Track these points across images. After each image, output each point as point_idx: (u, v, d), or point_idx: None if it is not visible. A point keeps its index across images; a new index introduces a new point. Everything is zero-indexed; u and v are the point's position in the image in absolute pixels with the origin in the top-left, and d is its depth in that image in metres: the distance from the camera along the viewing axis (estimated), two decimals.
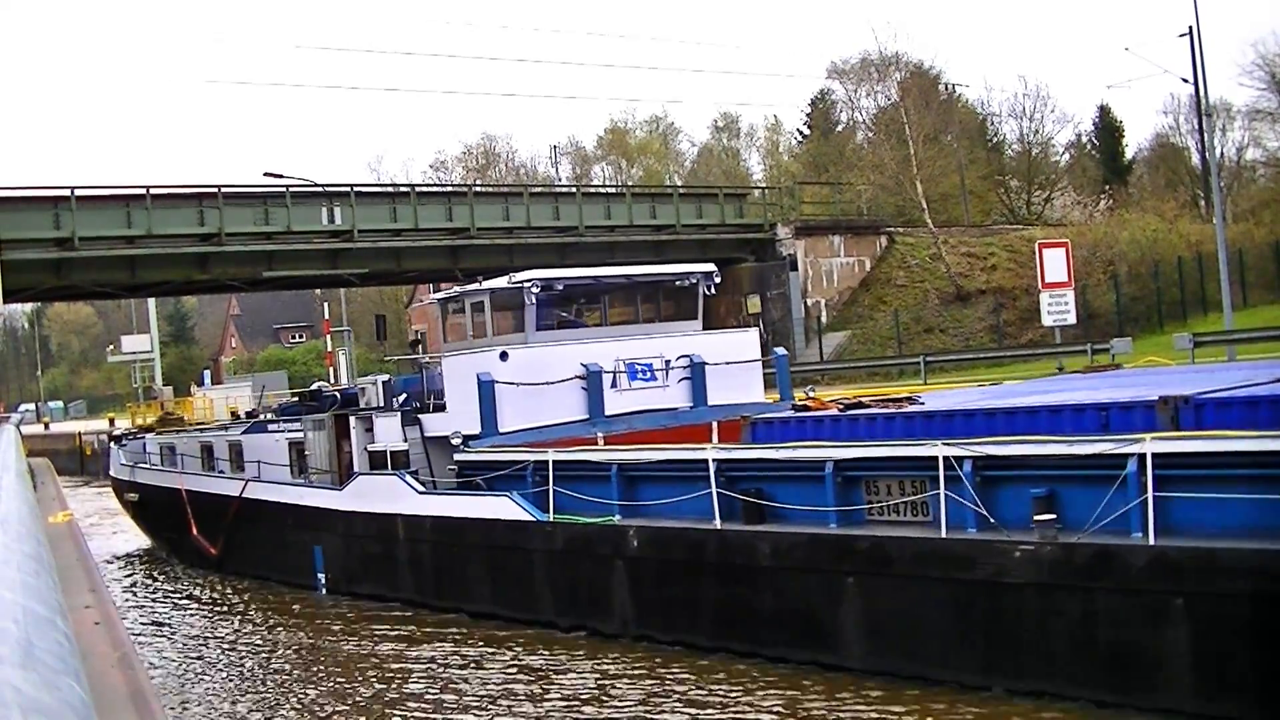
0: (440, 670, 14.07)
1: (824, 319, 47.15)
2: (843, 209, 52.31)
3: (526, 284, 17.99)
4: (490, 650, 14.60)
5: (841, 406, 16.20)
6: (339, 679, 14.36)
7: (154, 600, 21.96)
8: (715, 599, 13.21)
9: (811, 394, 20.39)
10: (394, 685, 13.71)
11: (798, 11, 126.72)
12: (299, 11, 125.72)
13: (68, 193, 31.52)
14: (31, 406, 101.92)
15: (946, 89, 62.40)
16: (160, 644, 17.71)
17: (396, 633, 16.41)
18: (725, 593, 13.10)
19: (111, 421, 69.54)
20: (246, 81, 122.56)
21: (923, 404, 15.74)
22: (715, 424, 18.09)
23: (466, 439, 17.38)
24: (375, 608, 18.00)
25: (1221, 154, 58.07)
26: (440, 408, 18.41)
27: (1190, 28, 34.82)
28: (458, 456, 17.38)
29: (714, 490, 13.20)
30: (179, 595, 22.14)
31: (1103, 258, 42.83)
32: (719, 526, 13.16)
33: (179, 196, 34.42)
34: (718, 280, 20.36)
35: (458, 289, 19.50)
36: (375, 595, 18.43)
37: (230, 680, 15.05)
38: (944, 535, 11.19)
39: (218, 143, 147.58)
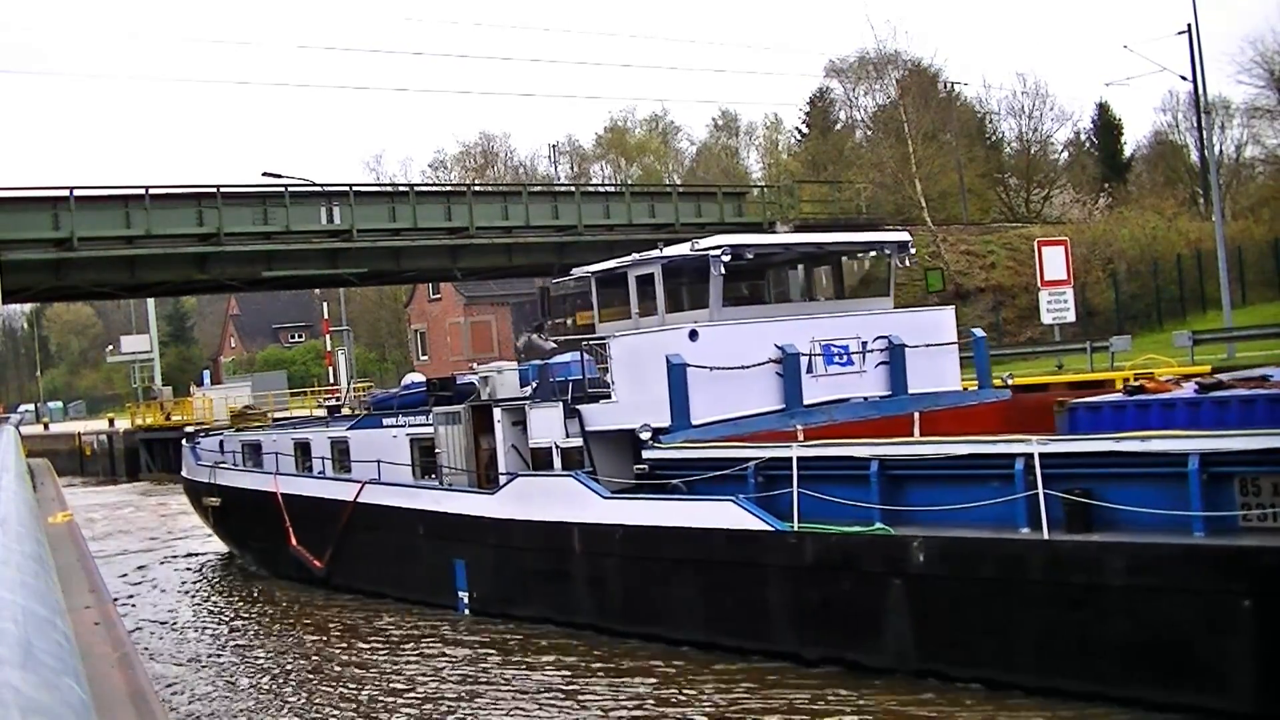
0: (636, 710, 11.80)
1: None
2: (841, 207, 52.28)
3: (713, 251, 15.63)
4: (711, 689, 12.11)
5: (1198, 386, 14.08)
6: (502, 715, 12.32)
7: (253, 620, 19.29)
8: (1039, 626, 10.76)
9: (1010, 380, 18.86)
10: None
11: (796, 10, 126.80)
12: (297, 12, 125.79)
13: (66, 193, 31.42)
14: (31, 407, 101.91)
15: (945, 87, 62.37)
16: (279, 674, 15.27)
17: (572, 662, 13.71)
18: (1054, 619, 10.64)
19: (111, 422, 69.62)
20: (246, 81, 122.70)
21: None
22: (917, 415, 15.94)
23: (656, 433, 14.92)
24: (539, 632, 15.34)
25: (1220, 151, 58.07)
26: (598, 397, 16.13)
27: (1189, 25, 34.92)
28: (648, 454, 14.85)
29: (1040, 491, 10.87)
30: (283, 615, 19.35)
31: (1102, 255, 42.90)
32: (1046, 536, 10.81)
33: (178, 196, 34.36)
34: (913, 252, 18.33)
35: (636, 256, 17.00)
36: (538, 618, 15.78)
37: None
38: None
39: (216, 143, 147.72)
